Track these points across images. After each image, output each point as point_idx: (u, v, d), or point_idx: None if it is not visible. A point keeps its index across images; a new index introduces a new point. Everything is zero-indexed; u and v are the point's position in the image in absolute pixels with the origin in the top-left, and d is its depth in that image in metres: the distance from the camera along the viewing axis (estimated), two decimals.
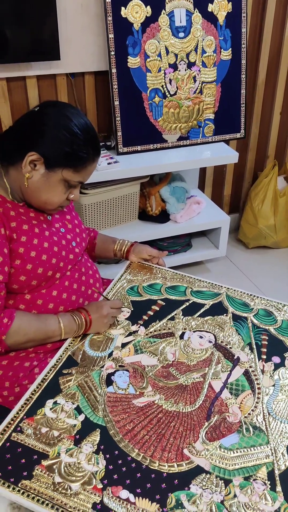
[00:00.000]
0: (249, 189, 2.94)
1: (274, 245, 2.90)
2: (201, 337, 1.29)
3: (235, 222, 3.00)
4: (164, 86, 2.25)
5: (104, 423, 1.04)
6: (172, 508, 0.88)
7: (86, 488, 0.91)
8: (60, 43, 2.01)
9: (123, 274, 1.52)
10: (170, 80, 2.25)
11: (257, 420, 1.07)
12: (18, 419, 1.03)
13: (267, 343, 1.28)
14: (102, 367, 1.18)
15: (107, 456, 0.97)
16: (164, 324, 1.33)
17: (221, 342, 1.28)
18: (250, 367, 1.20)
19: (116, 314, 1.32)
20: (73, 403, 1.07)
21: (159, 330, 1.31)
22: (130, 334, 1.29)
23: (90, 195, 2.22)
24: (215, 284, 1.49)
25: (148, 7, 2.11)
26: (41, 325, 1.23)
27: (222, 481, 0.94)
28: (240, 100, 2.45)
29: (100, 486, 0.91)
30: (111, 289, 1.45)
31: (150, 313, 1.36)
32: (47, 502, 0.88)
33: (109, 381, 1.14)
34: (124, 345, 1.25)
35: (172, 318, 1.35)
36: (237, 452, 1.00)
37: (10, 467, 0.94)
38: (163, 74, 2.23)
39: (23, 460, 0.95)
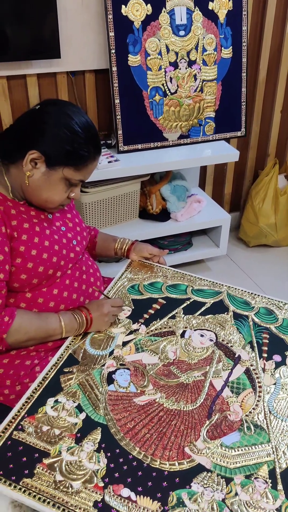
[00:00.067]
0: (250, 187, 2.93)
1: (274, 244, 2.90)
2: (202, 335, 1.29)
3: (235, 220, 3.00)
4: (165, 85, 2.25)
5: (105, 421, 1.04)
6: (174, 507, 0.88)
7: (87, 487, 0.91)
8: (60, 41, 2.01)
9: (123, 272, 1.52)
10: (171, 78, 2.25)
11: (258, 418, 1.07)
12: (19, 418, 1.03)
13: (268, 341, 1.28)
14: (103, 365, 1.18)
15: (108, 454, 0.97)
16: (165, 322, 1.33)
17: (222, 340, 1.28)
18: (251, 365, 1.20)
19: (117, 313, 1.32)
20: (74, 402, 1.07)
21: (160, 328, 1.31)
22: (131, 332, 1.29)
23: (91, 194, 2.22)
24: (216, 283, 1.49)
25: (149, 5, 2.11)
26: (42, 324, 1.23)
27: (223, 479, 0.94)
28: (241, 98, 2.45)
29: (101, 484, 0.91)
30: (112, 287, 1.45)
31: (151, 311, 1.36)
32: (48, 500, 0.88)
33: (110, 380, 1.14)
34: (125, 343, 1.25)
35: (173, 317, 1.35)
36: (238, 450, 1.00)
37: (11, 465, 0.94)
38: (164, 72, 2.23)
39: (24, 458, 0.95)
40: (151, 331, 1.29)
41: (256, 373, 1.18)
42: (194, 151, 2.38)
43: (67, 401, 1.07)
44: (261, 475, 0.95)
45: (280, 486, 0.93)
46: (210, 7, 2.23)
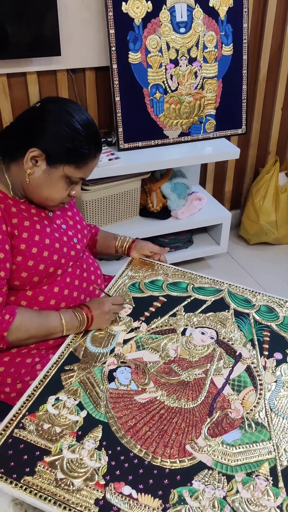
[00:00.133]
0: (251, 185, 2.93)
1: (275, 242, 2.90)
2: (203, 333, 1.29)
3: (236, 218, 3.00)
4: (165, 82, 2.24)
5: (106, 419, 1.04)
6: (175, 504, 0.89)
7: (89, 484, 0.91)
8: (60, 38, 2.00)
9: (124, 270, 1.52)
10: (171, 75, 2.24)
11: (259, 416, 1.07)
12: (20, 416, 1.03)
13: (269, 339, 1.28)
14: (104, 363, 1.18)
15: (109, 452, 0.97)
16: (166, 320, 1.33)
17: (223, 338, 1.28)
18: (252, 363, 1.20)
19: (117, 311, 1.32)
20: (75, 400, 1.07)
21: (161, 326, 1.30)
22: (131, 330, 1.29)
23: (91, 192, 2.21)
24: (217, 281, 1.49)
25: (149, 2, 2.10)
26: (43, 322, 1.23)
27: (225, 477, 0.94)
28: (242, 95, 2.45)
29: (102, 482, 0.91)
30: (113, 285, 1.45)
31: (152, 309, 1.36)
32: (49, 498, 0.88)
33: (111, 377, 1.14)
34: (126, 341, 1.25)
35: (174, 315, 1.35)
36: (239, 448, 1.00)
37: (12, 463, 0.94)
38: (164, 70, 2.22)
39: (26, 456, 0.95)
40: (152, 329, 1.29)
41: (257, 371, 1.18)
42: (195, 149, 2.38)
43: (68, 399, 1.07)
44: (262, 473, 0.95)
45: (281, 484, 0.93)
46: (210, 4, 2.22)
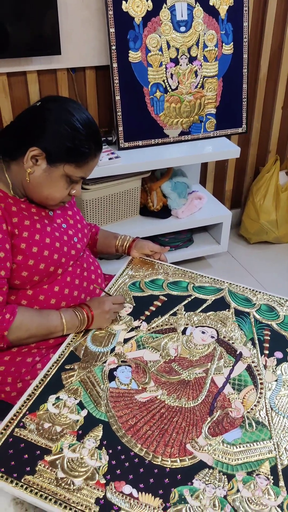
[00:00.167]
0: (251, 184, 2.93)
1: (275, 241, 2.90)
2: (203, 332, 1.29)
3: (236, 217, 3.00)
4: (166, 81, 2.24)
5: (107, 418, 1.04)
6: (175, 503, 0.89)
7: (89, 484, 0.91)
8: (60, 37, 2.00)
9: (125, 269, 1.52)
10: (172, 74, 2.24)
11: (260, 415, 1.07)
12: (21, 415, 1.03)
13: (269, 338, 1.28)
14: (105, 362, 1.18)
15: (110, 451, 0.97)
16: (166, 319, 1.32)
17: (224, 337, 1.28)
18: (253, 362, 1.20)
19: (118, 310, 1.32)
20: (76, 399, 1.07)
21: (161, 325, 1.30)
22: (132, 329, 1.29)
23: (92, 191, 2.21)
24: (217, 280, 1.49)
25: (149, 1, 2.10)
26: (43, 321, 1.23)
27: (225, 476, 0.94)
28: (242, 94, 2.44)
29: (103, 481, 0.91)
30: (113, 284, 1.45)
31: (152, 308, 1.36)
32: (50, 497, 0.88)
33: (111, 377, 1.14)
34: (126, 340, 1.25)
35: (174, 314, 1.35)
36: (240, 447, 0.99)
37: (13, 462, 0.94)
38: (165, 69, 2.22)
39: (26, 455, 0.95)
40: (153, 328, 1.29)
41: (257, 370, 1.18)
42: (195, 148, 2.37)
43: (68, 398, 1.07)
44: (262, 472, 0.95)
45: (282, 483, 0.93)
46: (211, 3, 2.22)
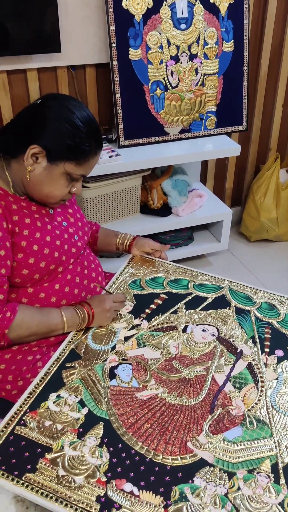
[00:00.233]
0: (251, 182, 2.93)
1: (276, 239, 2.90)
2: (204, 330, 1.29)
3: (237, 215, 3.00)
4: (166, 79, 2.24)
5: (108, 416, 1.04)
6: (176, 501, 0.89)
7: (90, 481, 0.91)
8: (60, 35, 1.99)
9: (125, 267, 1.52)
10: (172, 72, 2.24)
11: (261, 413, 1.07)
12: (22, 413, 1.03)
13: (270, 336, 1.28)
14: (105, 360, 1.18)
15: (111, 449, 0.97)
16: (167, 317, 1.32)
17: (224, 335, 1.28)
18: (253, 360, 1.20)
19: (118, 308, 1.32)
20: (76, 397, 1.07)
21: (162, 323, 1.30)
22: (133, 327, 1.29)
23: (92, 189, 2.21)
24: (218, 278, 1.49)
25: None
26: (44, 319, 1.23)
27: (226, 474, 0.94)
28: (242, 92, 2.44)
29: (104, 479, 0.91)
30: (114, 282, 1.45)
31: (153, 306, 1.36)
32: (51, 495, 0.88)
33: (112, 375, 1.14)
34: (127, 338, 1.25)
35: (175, 312, 1.35)
36: (240, 445, 1.00)
37: (14, 460, 0.94)
38: (165, 66, 2.22)
39: (27, 453, 0.95)
40: (153, 326, 1.29)
41: (258, 368, 1.18)
42: (196, 146, 2.37)
43: (69, 396, 1.07)
44: (263, 470, 0.95)
45: (282, 481, 0.93)
46: (211, 0, 2.21)
